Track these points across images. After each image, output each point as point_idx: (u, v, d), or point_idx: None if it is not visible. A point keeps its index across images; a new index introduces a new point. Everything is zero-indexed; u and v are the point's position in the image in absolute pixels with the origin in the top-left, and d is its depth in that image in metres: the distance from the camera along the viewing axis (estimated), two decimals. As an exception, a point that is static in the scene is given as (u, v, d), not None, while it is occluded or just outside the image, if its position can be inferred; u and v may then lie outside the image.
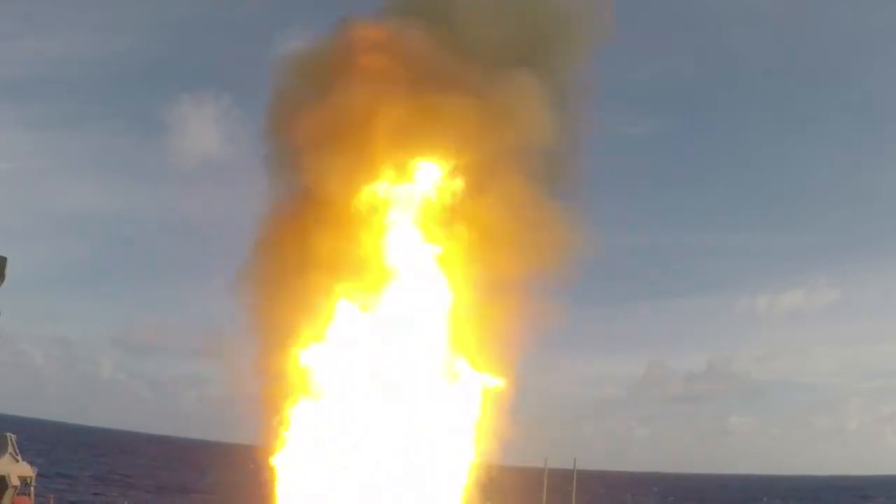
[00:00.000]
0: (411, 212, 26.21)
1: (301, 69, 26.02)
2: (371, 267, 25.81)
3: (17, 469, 25.08)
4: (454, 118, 24.41)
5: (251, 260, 25.71)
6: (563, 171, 26.31)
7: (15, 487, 24.75)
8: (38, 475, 26.16)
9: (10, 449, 25.22)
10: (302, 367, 25.41)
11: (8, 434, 25.52)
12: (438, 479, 25.26)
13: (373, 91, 24.75)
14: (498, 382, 26.36)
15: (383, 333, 25.83)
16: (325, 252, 25.22)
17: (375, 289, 25.77)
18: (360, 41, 25.48)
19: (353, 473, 24.79)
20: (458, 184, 25.58)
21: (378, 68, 24.84)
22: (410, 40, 24.97)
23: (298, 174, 25.82)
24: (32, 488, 25.67)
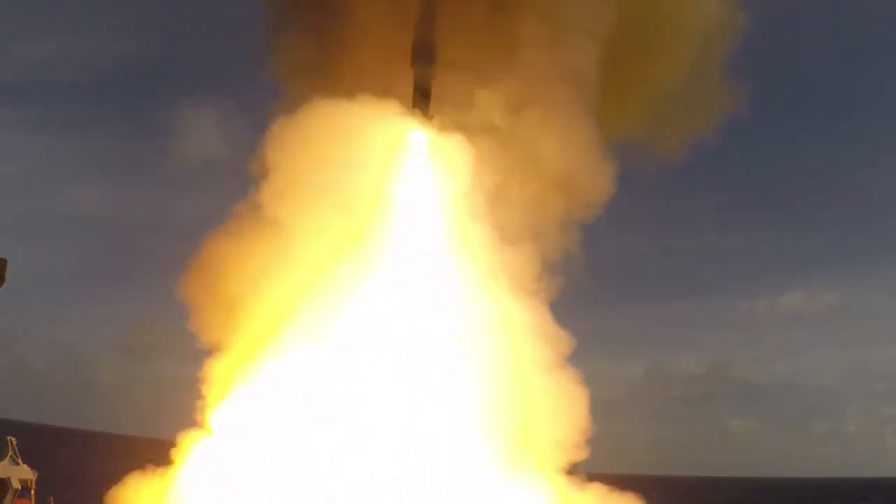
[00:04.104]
0: None
1: None
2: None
3: (18, 472, 25.17)
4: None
5: None
6: None
7: (16, 490, 24.84)
8: (39, 479, 26.20)
9: (10, 452, 25.33)
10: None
11: (9, 437, 25.61)
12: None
13: None
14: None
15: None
16: None
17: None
18: None
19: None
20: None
21: None
22: None
23: None
24: (33, 492, 25.74)
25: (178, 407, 27.21)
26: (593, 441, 26.98)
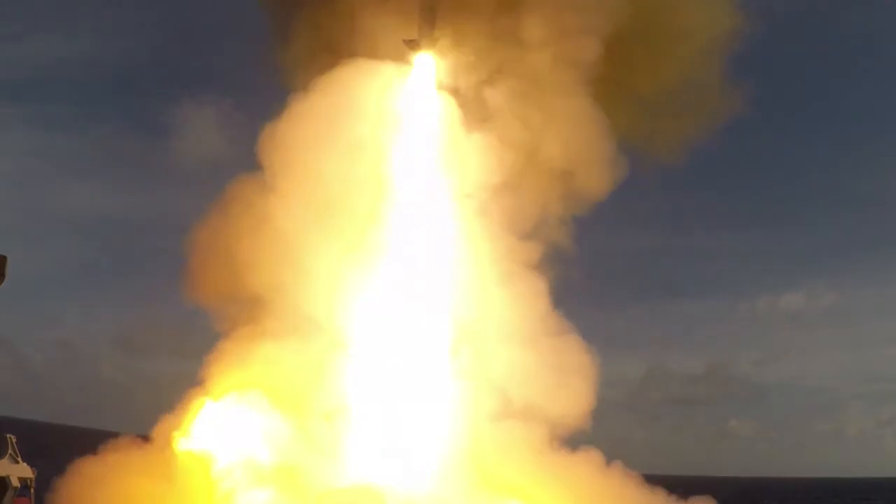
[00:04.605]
0: None
1: None
2: None
3: (18, 470, 25.15)
4: None
5: None
6: None
7: (15, 488, 24.83)
8: (39, 477, 26.18)
9: (10, 450, 25.32)
10: None
11: (8, 435, 25.60)
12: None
13: None
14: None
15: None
16: None
17: None
18: None
19: None
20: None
21: None
22: None
23: None
24: (33, 490, 25.73)
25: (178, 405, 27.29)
26: (594, 441, 26.97)
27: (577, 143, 26.51)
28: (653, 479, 32.17)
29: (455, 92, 27.13)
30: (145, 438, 27.49)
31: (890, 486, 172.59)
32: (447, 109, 26.89)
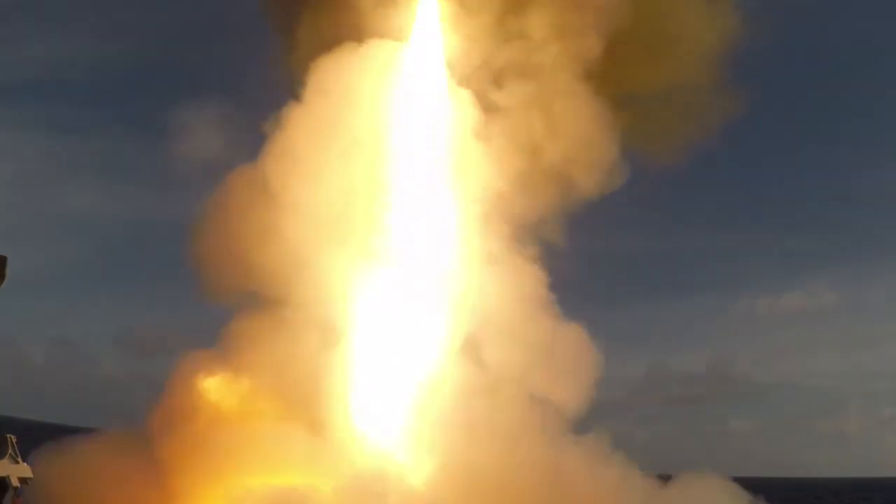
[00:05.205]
0: None
1: None
2: None
3: (18, 470, 25.12)
4: None
5: None
6: None
7: (16, 488, 24.80)
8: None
9: (10, 450, 25.29)
10: None
11: (8, 435, 25.56)
12: None
13: None
14: None
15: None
16: None
17: None
18: None
19: None
20: None
21: None
22: None
23: None
24: (33, 490, 25.71)
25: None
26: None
27: (579, 142, 26.54)
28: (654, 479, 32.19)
29: (463, 82, 27.01)
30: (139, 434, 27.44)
31: (891, 484, 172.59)
32: (453, 105, 26.82)
